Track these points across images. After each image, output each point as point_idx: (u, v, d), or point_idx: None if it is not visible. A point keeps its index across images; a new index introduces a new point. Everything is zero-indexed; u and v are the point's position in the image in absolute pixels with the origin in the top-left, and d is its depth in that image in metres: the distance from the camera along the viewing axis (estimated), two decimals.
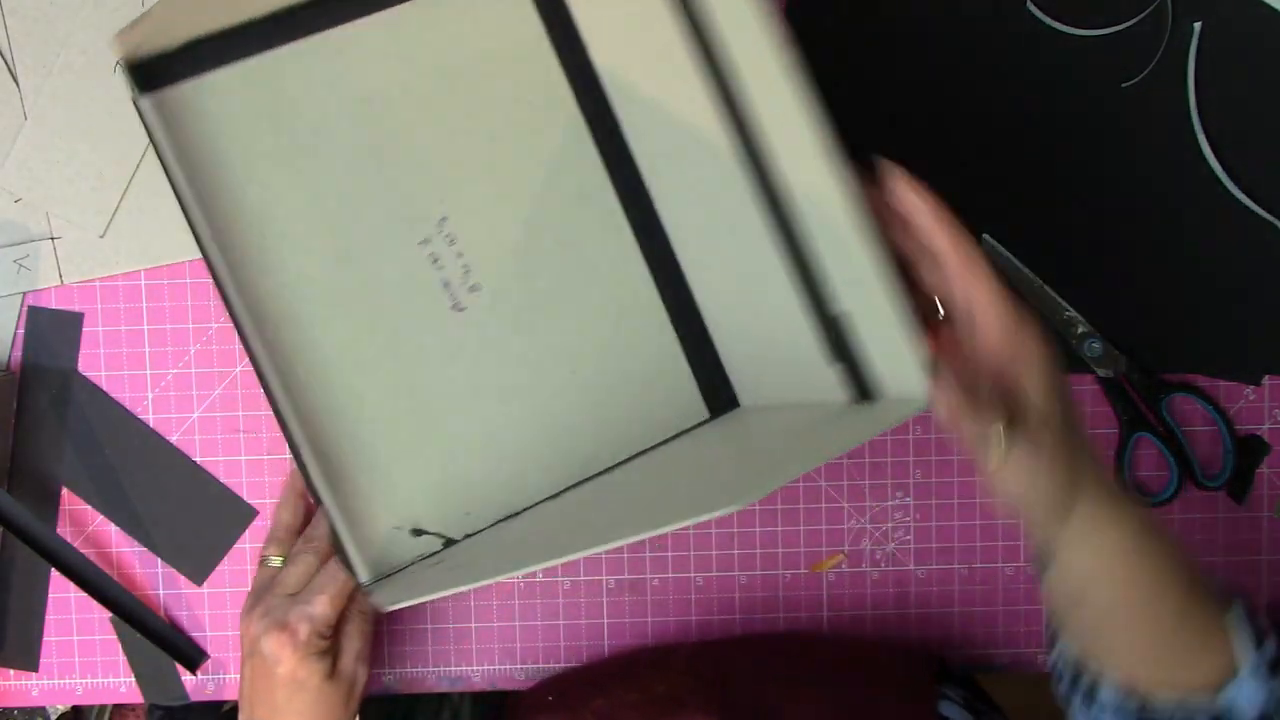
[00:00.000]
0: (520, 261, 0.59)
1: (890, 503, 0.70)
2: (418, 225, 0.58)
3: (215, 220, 0.55)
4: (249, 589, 0.63)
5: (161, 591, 0.70)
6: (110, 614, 0.69)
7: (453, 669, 0.71)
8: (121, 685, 0.71)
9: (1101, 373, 0.69)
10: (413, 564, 0.57)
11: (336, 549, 0.57)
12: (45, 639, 0.70)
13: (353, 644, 0.61)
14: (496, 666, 0.71)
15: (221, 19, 0.55)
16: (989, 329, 0.48)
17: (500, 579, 0.47)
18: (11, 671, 0.71)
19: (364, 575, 0.55)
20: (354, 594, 0.60)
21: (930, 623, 0.71)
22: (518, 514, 0.57)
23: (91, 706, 0.82)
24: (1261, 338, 0.69)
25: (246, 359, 0.57)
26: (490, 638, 0.71)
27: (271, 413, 0.57)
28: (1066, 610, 0.54)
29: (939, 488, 0.70)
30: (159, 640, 0.69)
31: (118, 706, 0.84)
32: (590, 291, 0.59)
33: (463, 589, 0.49)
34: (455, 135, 0.59)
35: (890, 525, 0.70)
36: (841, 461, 0.70)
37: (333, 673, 0.60)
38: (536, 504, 0.58)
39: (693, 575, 0.71)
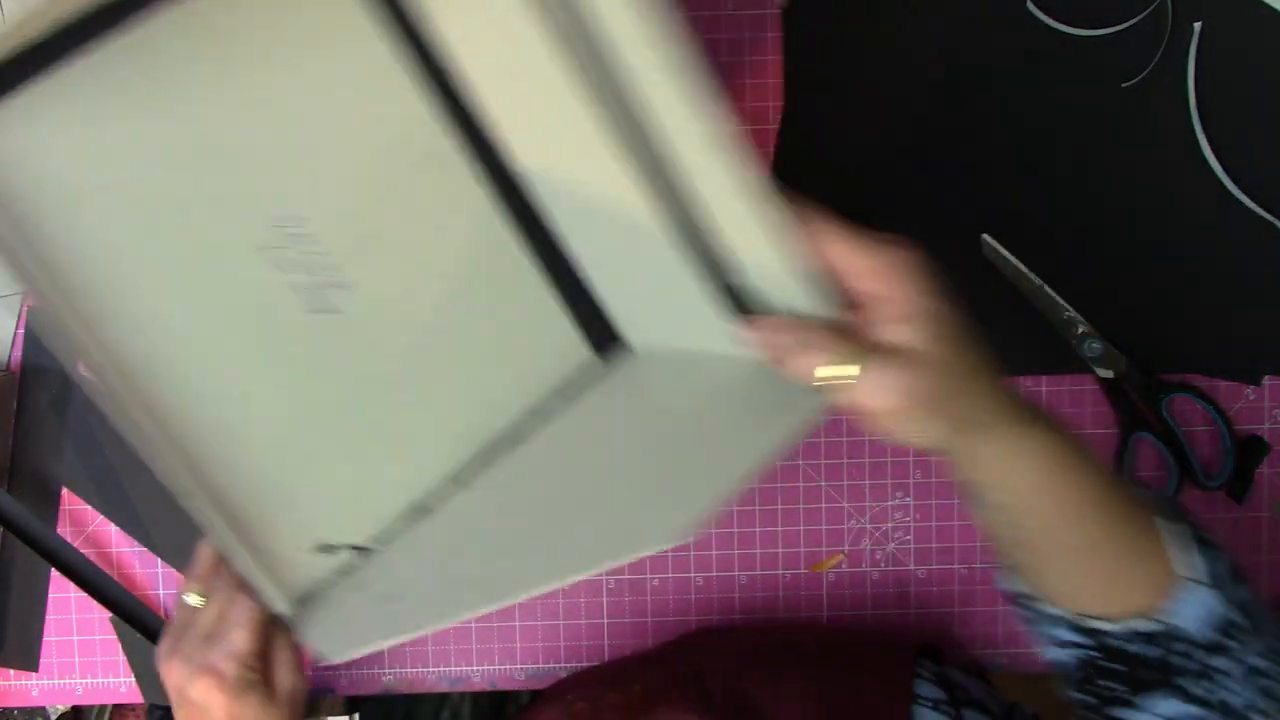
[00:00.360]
0: (377, 246, 0.56)
1: (890, 503, 0.70)
2: (267, 231, 0.54)
3: (50, 264, 0.50)
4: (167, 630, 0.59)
5: (161, 591, 0.70)
6: (110, 614, 0.69)
7: (453, 669, 0.71)
8: (121, 685, 0.71)
9: (1101, 373, 0.69)
10: (329, 580, 0.54)
11: (247, 586, 0.54)
12: (45, 639, 0.70)
13: (284, 658, 0.57)
14: (496, 666, 0.71)
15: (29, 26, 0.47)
16: (857, 281, 0.47)
17: (440, 626, 0.46)
18: (11, 671, 0.71)
19: (281, 605, 0.52)
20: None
21: (930, 623, 0.71)
22: (428, 509, 0.55)
23: (91, 706, 0.82)
24: (1261, 338, 0.69)
25: None
26: (490, 638, 0.71)
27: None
28: (1001, 543, 0.53)
29: (939, 488, 0.70)
30: (159, 640, 0.69)
31: (118, 706, 0.84)
32: (453, 261, 0.57)
33: (405, 637, 0.47)
34: (286, 127, 0.54)
35: (890, 525, 0.70)
36: (841, 461, 0.70)
37: (270, 697, 0.56)
38: (441, 489, 0.55)
39: (693, 575, 0.71)
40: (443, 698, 0.80)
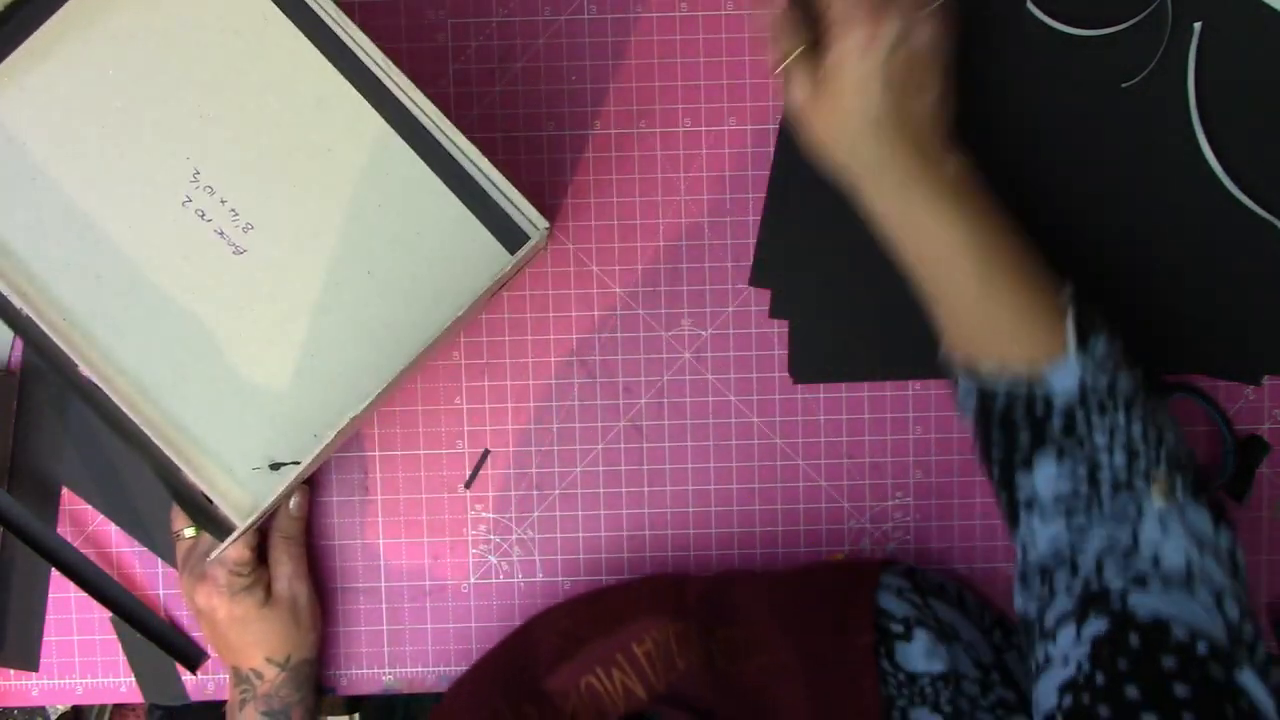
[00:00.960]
0: (282, 188, 0.61)
1: (890, 503, 0.70)
2: (174, 188, 0.60)
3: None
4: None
5: (161, 591, 0.70)
6: (110, 614, 0.69)
7: (452, 669, 0.71)
8: (121, 685, 0.71)
9: None
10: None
11: (201, 518, 0.62)
12: (45, 639, 0.70)
13: (283, 568, 0.67)
14: None
15: None
16: None
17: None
18: (11, 671, 0.71)
19: (241, 521, 0.59)
20: (274, 523, 0.67)
21: None
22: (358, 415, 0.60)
23: (91, 706, 0.82)
24: (1261, 338, 0.69)
25: None
26: (490, 638, 0.71)
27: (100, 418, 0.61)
28: (925, 299, 0.60)
29: (939, 487, 0.70)
30: (159, 640, 0.69)
31: (118, 706, 0.84)
32: (359, 189, 0.61)
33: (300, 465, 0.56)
34: (173, 87, 0.60)
35: (890, 525, 0.70)
36: (841, 461, 0.70)
37: (267, 599, 0.66)
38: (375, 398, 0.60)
39: (693, 575, 0.71)
40: (442, 698, 0.80)
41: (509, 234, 0.61)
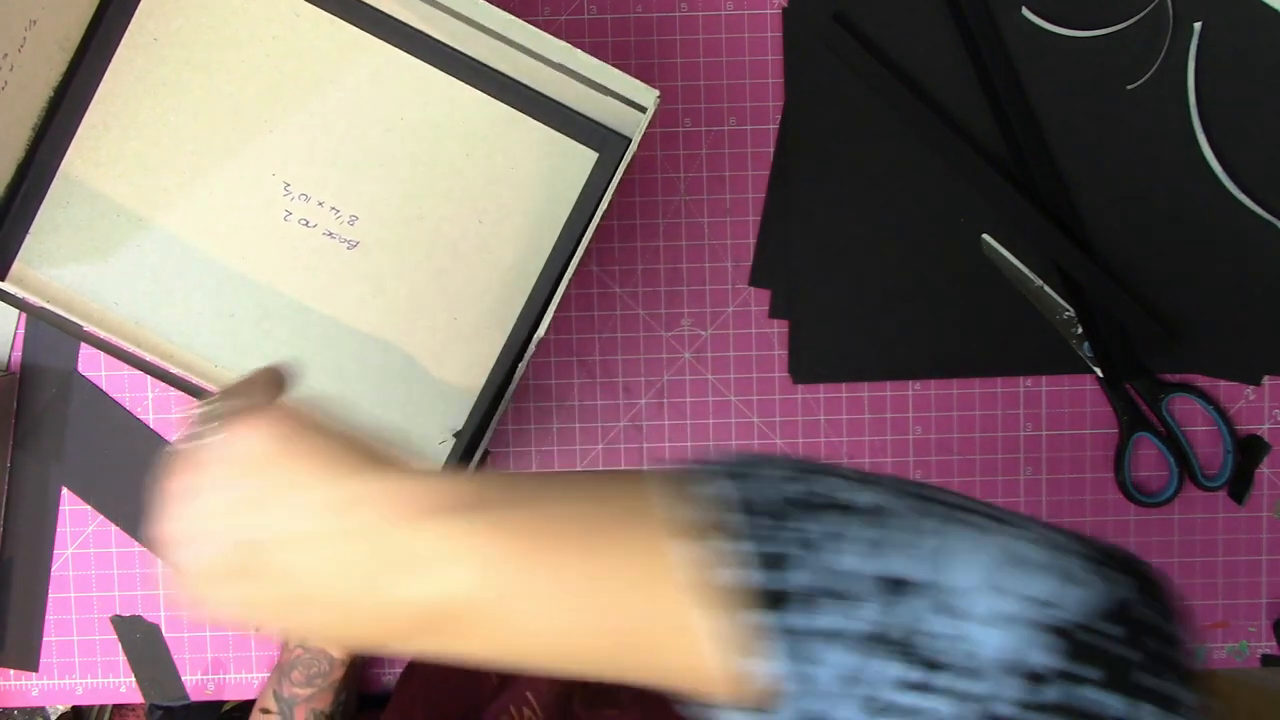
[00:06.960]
0: (371, 170, 0.61)
1: None
2: (271, 207, 0.61)
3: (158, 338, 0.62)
4: None
5: (161, 591, 0.70)
6: (110, 614, 0.69)
7: None
8: (121, 685, 0.71)
9: (1101, 373, 0.69)
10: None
11: None
12: (45, 639, 0.70)
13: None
14: None
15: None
16: None
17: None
18: (11, 671, 0.71)
19: None
20: None
21: None
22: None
23: (91, 706, 0.82)
24: (1261, 338, 0.69)
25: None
26: None
27: None
28: None
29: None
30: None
31: (118, 706, 0.84)
32: (443, 145, 0.61)
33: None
34: (235, 111, 0.61)
35: None
36: (842, 462, 0.70)
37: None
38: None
39: None
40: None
41: (593, 135, 0.61)
